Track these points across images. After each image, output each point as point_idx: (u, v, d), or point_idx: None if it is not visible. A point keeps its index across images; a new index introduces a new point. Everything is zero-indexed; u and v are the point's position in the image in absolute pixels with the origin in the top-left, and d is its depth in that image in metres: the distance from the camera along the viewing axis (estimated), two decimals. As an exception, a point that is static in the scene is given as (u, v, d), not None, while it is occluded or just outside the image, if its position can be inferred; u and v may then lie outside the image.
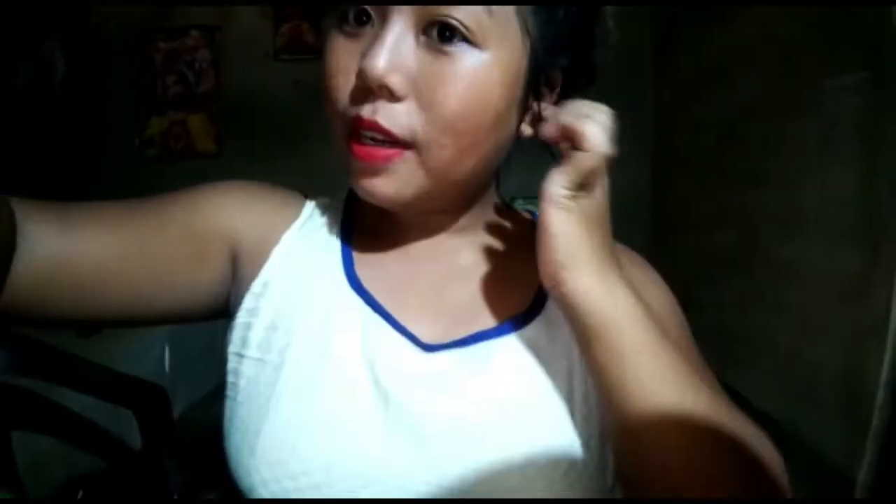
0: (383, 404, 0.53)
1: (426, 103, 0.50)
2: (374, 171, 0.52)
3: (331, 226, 0.63)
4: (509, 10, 0.50)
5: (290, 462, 0.51)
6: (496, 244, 0.63)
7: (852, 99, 1.55)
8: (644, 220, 2.77)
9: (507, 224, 0.65)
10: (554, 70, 0.56)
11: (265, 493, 0.51)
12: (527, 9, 0.51)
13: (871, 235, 1.48)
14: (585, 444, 0.53)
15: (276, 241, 0.60)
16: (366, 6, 0.51)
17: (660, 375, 0.48)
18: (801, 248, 1.70)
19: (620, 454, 0.52)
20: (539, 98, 0.56)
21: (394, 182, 0.52)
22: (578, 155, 0.48)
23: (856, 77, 1.54)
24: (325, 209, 0.65)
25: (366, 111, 0.50)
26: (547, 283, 0.51)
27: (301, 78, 2.87)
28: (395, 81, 0.49)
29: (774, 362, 1.78)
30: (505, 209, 0.65)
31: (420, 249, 0.61)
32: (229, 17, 3.02)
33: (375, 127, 0.50)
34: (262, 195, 0.63)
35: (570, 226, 0.49)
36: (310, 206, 0.65)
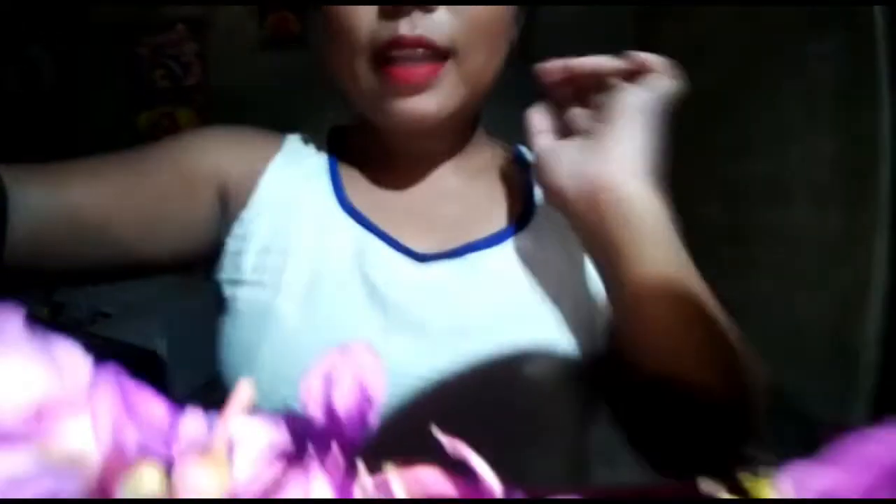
0: (381, 309, 0.54)
1: (457, 9, 0.51)
2: (415, 90, 0.52)
3: (317, 154, 0.64)
4: None
5: (289, 369, 0.52)
6: (481, 166, 0.65)
7: (832, 64, 1.56)
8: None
9: (489, 149, 0.67)
10: None
11: (262, 405, 0.52)
12: None
13: (853, 197, 1.49)
14: (576, 346, 0.56)
15: (261, 172, 0.61)
16: None
17: (676, 263, 0.50)
18: (786, 213, 1.71)
19: (623, 329, 0.53)
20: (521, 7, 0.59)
21: (437, 98, 0.53)
22: (662, 82, 0.50)
23: (835, 42, 1.55)
24: (307, 141, 0.66)
25: (404, 27, 0.50)
26: (604, 188, 0.50)
27: (288, 68, 2.87)
28: None
29: (765, 326, 1.80)
30: (485, 136, 0.67)
31: (408, 174, 0.63)
32: (215, 10, 3.01)
33: (420, 42, 0.50)
34: (243, 133, 0.64)
35: (644, 141, 0.50)
36: (293, 139, 0.66)
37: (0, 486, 0.16)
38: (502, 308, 0.56)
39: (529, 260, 0.59)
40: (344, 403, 0.21)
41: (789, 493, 0.20)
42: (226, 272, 0.59)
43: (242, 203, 0.60)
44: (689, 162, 2.39)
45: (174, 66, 3.00)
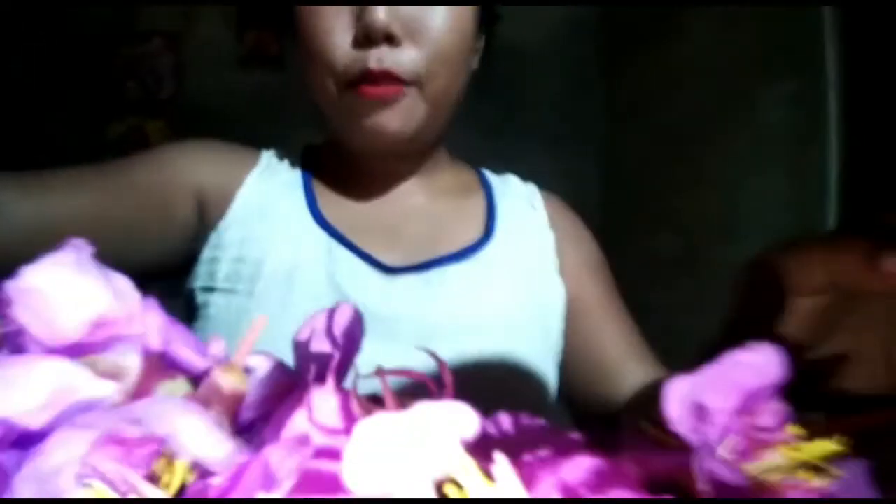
0: None
1: (422, 42, 0.56)
2: (382, 106, 0.56)
3: (292, 170, 0.67)
4: None
5: None
6: (445, 186, 0.69)
7: (785, 107, 1.64)
8: (596, 225, 2.78)
9: (453, 170, 0.71)
10: (487, 10, 0.63)
11: None
12: None
13: (803, 236, 1.55)
14: (531, 353, 0.60)
15: (239, 185, 0.64)
16: None
17: None
18: (739, 250, 1.78)
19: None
20: (479, 35, 0.63)
21: (400, 117, 0.57)
22: None
23: (788, 86, 1.63)
24: (283, 157, 0.69)
25: (373, 62, 0.54)
26: None
27: (263, 88, 2.88)
28: (397, 28, 0.54)
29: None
30: (448, 158, 0.71)
31: (378, 192, 0.66)
32: (192, 25, 3.02)
33: (386, 75, 0.55)
34: (221, 147, 0.67)
35: None
36: (268, 155, 0.69)
37: (49, 393, 0.18)
38: (465, 318, 0.59)
39: (491, 274, 0.63)
40: (337, 328, 0.25)
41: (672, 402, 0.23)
42: (200, 280, 0.61)
43: (220, 214, 0.62)
44: (651, 194, 2.46)
45: (148, 78, 2.99)
